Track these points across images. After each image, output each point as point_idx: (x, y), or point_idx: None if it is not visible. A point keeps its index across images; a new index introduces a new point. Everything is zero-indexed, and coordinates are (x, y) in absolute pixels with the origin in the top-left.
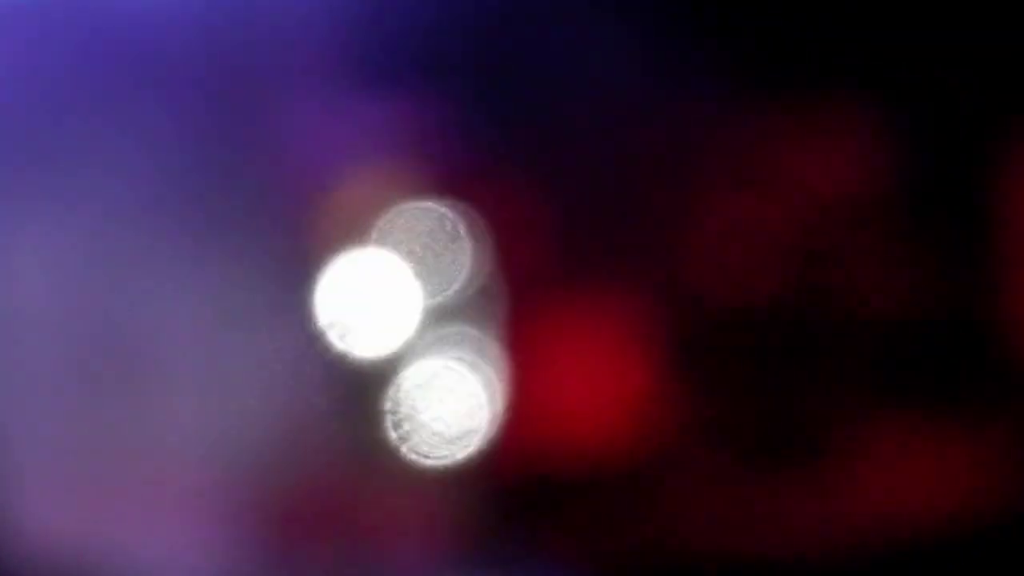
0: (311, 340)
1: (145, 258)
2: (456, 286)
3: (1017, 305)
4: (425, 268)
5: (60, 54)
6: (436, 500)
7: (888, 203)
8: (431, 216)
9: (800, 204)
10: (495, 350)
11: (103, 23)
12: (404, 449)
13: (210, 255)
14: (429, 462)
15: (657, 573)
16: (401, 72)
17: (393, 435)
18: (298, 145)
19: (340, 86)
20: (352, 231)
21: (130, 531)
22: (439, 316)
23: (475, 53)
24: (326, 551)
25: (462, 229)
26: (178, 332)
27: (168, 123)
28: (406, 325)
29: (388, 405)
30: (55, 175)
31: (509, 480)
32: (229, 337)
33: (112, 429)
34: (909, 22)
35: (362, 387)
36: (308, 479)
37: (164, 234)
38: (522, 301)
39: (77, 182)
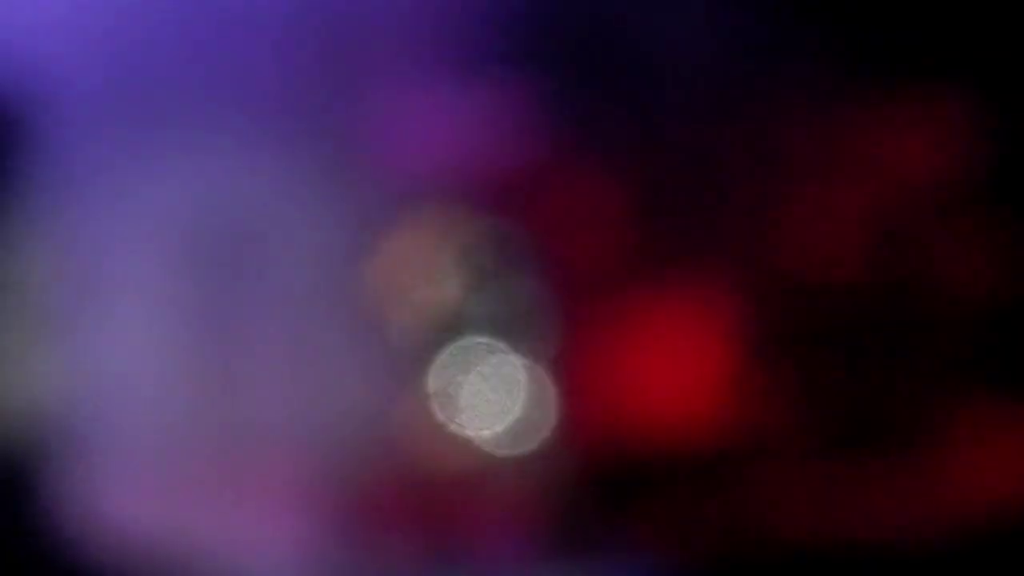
0: (397, 330)
1: (244, 239)
2: (531, 278)
3: None
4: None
5: (167, 27)
6: (521, 487)
7: (974, 190)
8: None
9: (888, 191)
10: (582, 338)
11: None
12: (486, 435)
13: (299, 238)
14: (513, 450)
15: (743, 562)
16: (489, 61)
17: (474, 422)
18: (387, 127)
19: (430, 73)
20: (435, 214)
21: (221, 519)
22: (524, 306)
23: (562, 43)
24: (412, 538)
25: (543, 220)
26: (267, 317)
27: (268, 92)
28: (492, 315)
29: (469, 393)
30: (163, 146)
31: (595, 468)
32: (320, 322)
33: (206, 415)
34: (993, 14)
35: (446, 376)
36: (394, 466)
37: (260, 208)
38: (609, 290)
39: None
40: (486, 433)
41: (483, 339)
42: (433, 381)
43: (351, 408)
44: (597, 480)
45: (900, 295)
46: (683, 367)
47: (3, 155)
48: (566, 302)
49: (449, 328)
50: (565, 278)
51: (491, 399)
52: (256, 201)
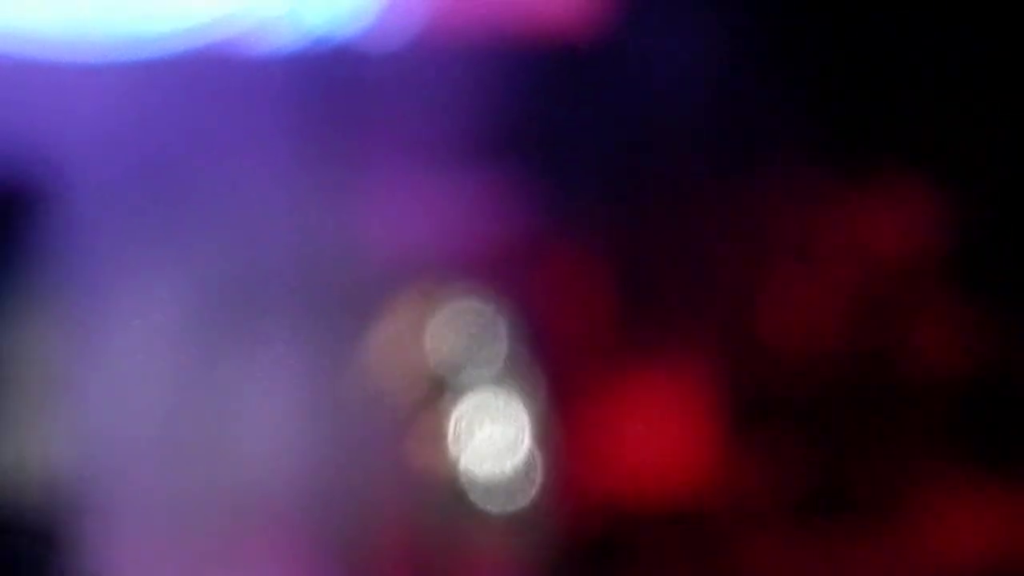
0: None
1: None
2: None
3: None
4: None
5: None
6: (509, 545)
7: (943, 269)
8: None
9: (862, 270)
10: (568, 406)
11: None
12: (478, 492)
13: (298, 312)
14: (501, 509)
15: None
16: (479, 149)
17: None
18: (384, 210)
19: (423, 161)
20: (432, 282)
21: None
22: (507, 374)
23: (547, 131)
24: None
25: (528, 292)
26: (257, 382)
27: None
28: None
29: (462, 452)
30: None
31: (577, 530)
32: (316, 389)
33: (206, 477)
34: (962, 102)
35: (438, 440)
36: (389, 523)
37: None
38: (594, 360)
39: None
40: (478, 490)
41: (475, 403)
42: (427, 440)
43: (347, 470)
44: (579, 541)
45: (873, 368)
46: (664, 435)
47: (20, 235)
48: (554, 372)
49: (442, 392)
50: (552, 349)
51: (482, 459)
52: (254, 278)
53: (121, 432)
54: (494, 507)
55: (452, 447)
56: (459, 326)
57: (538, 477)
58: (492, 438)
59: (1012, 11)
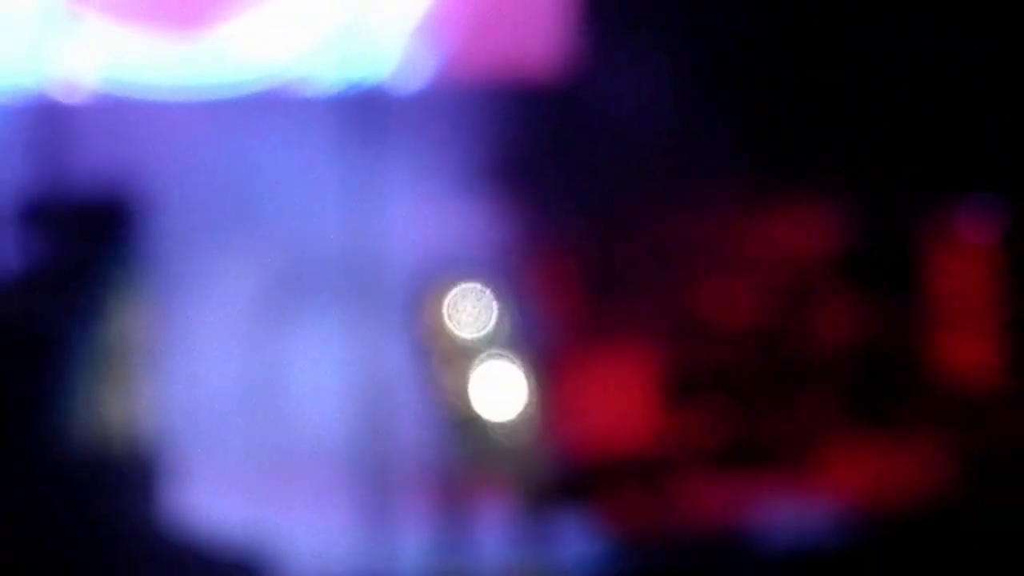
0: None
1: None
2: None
3: (941, 344)
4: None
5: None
6: (511, 477)
7: (842, 271)
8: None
9: (778, 273)
10: (549, 372)
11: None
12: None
13: (331, 304)
14: (506, 447)
15: (666, 542)
16: (479, 175)
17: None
18: (412, 223)
19: (440, 183)
20: (451, 278)
21: (281, 512)
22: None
23: (534, 160)
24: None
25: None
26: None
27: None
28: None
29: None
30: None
31: (559, 469)
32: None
33: (265, 434)
34: (859, 129)
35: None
36: (416, 456)
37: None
38: (569, 339)
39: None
40: (489, 432)
41: (487, 368)
42: (452, 395)
43: (386, 420)
44: (561, 473)
45: (782, 346)
46: (621, 397)
47: (124, 240)
48: (543, 347)
49: (464, 359)
50: (542, 329)
51: (492, 410)
52: (306, 274)
53: (201, 395)
54: (501, 445)
55: (471, 400)
56: (475, 310)
57: (531, 424)
58: (499, 394)
59: (904, 53)
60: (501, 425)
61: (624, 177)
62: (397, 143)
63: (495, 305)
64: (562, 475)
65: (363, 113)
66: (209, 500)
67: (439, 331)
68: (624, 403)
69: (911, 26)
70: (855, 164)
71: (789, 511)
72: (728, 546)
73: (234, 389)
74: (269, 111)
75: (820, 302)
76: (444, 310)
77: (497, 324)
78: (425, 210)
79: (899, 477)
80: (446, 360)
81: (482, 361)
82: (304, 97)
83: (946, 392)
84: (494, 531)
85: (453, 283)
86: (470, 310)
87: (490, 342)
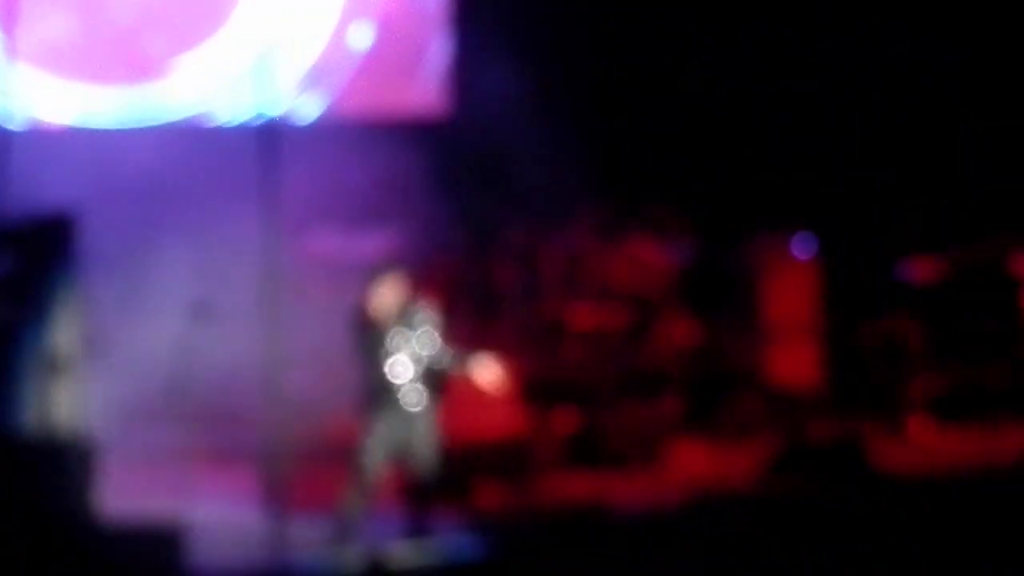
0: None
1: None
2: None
3: (768, 359)
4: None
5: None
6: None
7: (682, 295)
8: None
9: (627, 288)
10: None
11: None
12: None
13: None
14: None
15: (531, 522)
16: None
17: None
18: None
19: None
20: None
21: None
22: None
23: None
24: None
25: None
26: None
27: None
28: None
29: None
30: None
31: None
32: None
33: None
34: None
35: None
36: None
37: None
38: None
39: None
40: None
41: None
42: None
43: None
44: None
45: (630, 358)
46: (494, 401)
47: (60, 257)
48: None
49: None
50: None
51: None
52: (227, 271)
53: (111, 400)
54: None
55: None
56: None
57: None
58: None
59: (740, 107)
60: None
61: (495, 203)
62: (295, 168)
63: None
64: (442, 464)
65: (265, 143)
66: (116, 487)
67: (364, 315)
68: (495, 403)
69: (748, 79)
70: (695, 197)
71: (638, 496)
72: (586, 520)
73: (160, 386)
74: (187, 140)
75: (662, 319)
76: (360, 304)
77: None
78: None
79: (729, 467)
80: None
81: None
82: (216, 128)
83: (770, 396)
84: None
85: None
86: (380, 303)
87: (404, 322)
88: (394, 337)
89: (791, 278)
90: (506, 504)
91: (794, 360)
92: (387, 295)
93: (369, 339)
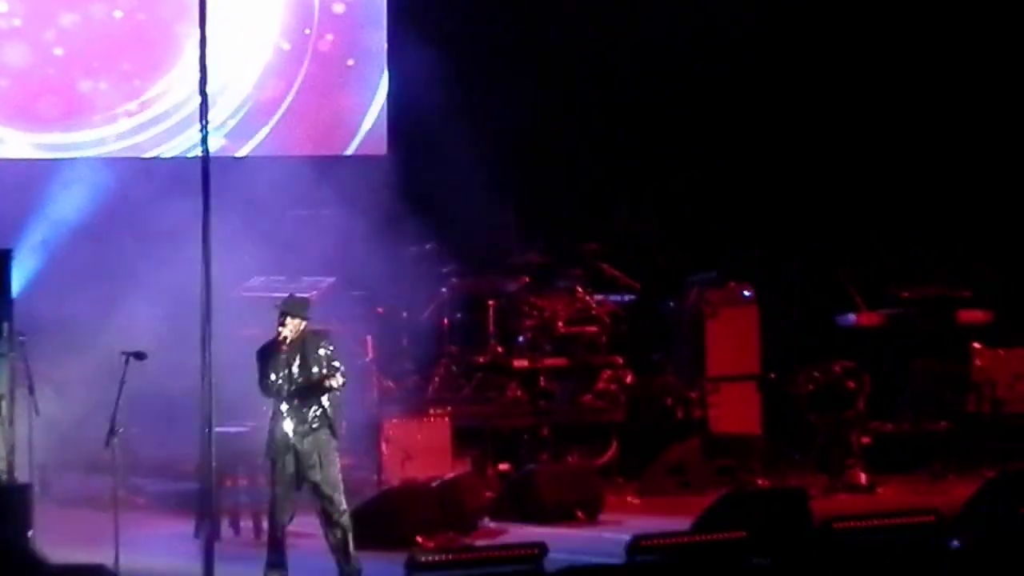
0: None
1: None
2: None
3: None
4: None
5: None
6: None
7: (613, 335)
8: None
9: (562, 338)
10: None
11: None
12: None
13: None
14: None
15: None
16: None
17: None
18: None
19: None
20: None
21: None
22: None
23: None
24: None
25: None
26: None
27: None
28: None
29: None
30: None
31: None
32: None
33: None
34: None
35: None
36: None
37: None
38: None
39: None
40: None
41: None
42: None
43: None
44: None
45: (572, 407)
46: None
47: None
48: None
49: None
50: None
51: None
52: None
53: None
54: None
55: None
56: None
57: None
58: None
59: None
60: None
61: (434, 244)
62: (231, 199)
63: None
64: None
65: (203, 174)
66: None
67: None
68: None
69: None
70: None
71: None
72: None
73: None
74: (132, 173)
75: (603, 362)
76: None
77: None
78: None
79: (667, 515)
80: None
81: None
82: (158, 161)
83: (710, 441)
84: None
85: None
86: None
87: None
88: (287, 364)
89: (731, 324)
90: (441, 551)
91: (734, 406)
92: (289, 327)
93: (266, 366)
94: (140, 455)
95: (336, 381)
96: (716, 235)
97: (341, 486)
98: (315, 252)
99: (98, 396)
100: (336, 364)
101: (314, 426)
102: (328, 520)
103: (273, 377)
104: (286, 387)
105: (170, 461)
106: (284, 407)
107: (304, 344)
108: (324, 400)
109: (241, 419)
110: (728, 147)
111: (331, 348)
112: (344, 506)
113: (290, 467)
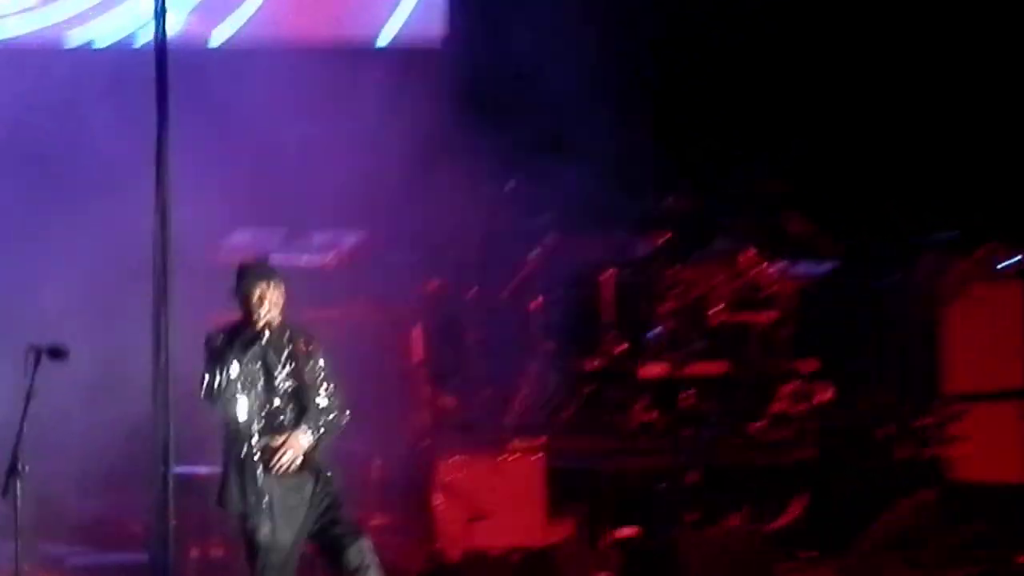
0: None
1: None
2: None
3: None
4: None
5: None
6: None
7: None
8: None
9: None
10: None
11: None
12: None
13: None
14: None
15: None
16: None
17: None
18: None
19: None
20: None
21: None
22: None
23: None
24: None
25: None
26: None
27: None
28: None
29: None
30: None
31: None
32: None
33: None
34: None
35: None
36: None
37: None
38: None
39: None
40: None
41: None
42: None
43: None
44: None
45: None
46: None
47: None
48: None
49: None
50: None
51: None
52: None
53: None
54: None
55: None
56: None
57: None
58: None
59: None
60: None
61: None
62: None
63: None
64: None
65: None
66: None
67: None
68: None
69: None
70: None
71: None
72: None
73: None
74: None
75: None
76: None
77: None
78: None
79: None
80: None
81: None
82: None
83: (952, 493)
84: None
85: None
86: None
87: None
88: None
89: (983, 311)
90: None
91: (990, 438)
92: (269, 304)
93: (222, 365)
94: (59, 508)
95: (304, 438)
96: (963, 178)
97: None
98: (330, 194)
99: None
100: (329, 393)
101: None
102: None
103: (238, 385)
104: (258, 403)
105: (106, 519)
106: (254, 438)
107: (290, 339)
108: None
109: (214, 454)
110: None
111: (324, 359)
112: None
113: (285, 531)
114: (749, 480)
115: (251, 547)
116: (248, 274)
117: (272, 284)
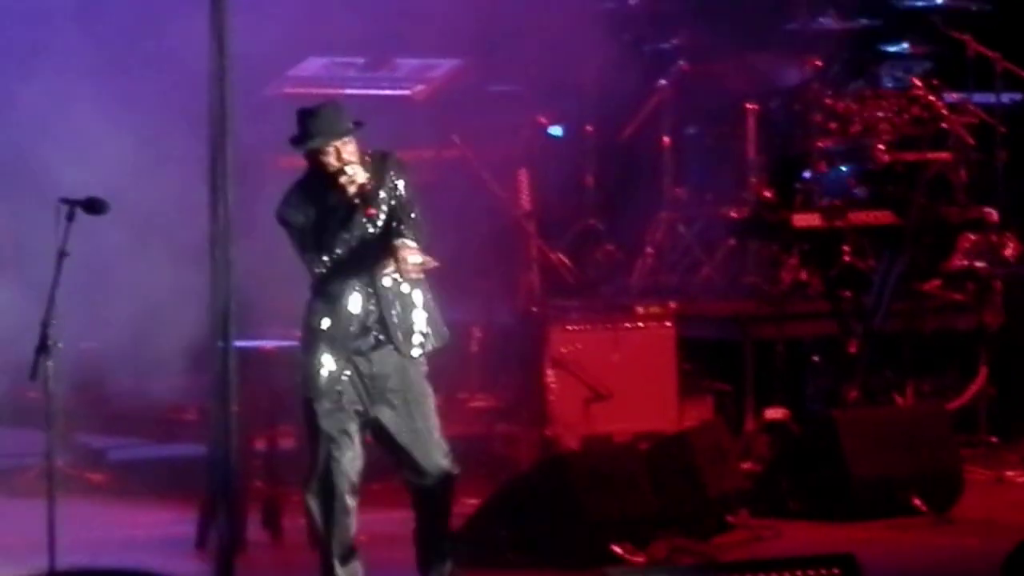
0: None
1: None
2: None
3: None
4: None
5: None
6: None
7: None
8: None
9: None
10: None
11: None
12: None
13: None
14: None
15: None
16: None
17: None
18: None
19: None
20: None
21: None
22: None
23: None
24: None
25: None
26: None
27: None
28: None
29: None
30: None
31: None
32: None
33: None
34: None
35: None
36: None
37: None
38: None
39: None
40: None
41: None
42: None
43: None
44: None
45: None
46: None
47: None
48: None
49: None
50: None
51: None
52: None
53: None
54: None
55: None
56: None
57: None
58: None
59: None
60: None
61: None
62: None
63: None
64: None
65: None
66: None
67: None
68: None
69: None
70: None
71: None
72: None
73: None
74: None
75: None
76: None
77: None
78: None
79: None
80: None
81: None
82: None
83: None
84: None
85: None
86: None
87: None
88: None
89: None
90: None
91: None
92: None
93: (317, 226)
94: (98, 393)
95: (408, 243)
96: None
97: (442, 442)
98: (419, 15)
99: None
100: (412, 212)
101: (380, 338)
102: (421, 507)
103: (338, 248)
104: (354, 261)
105: (152, 405)
106: (352, 291)
107: (378, 178)
108: (400, 284)
109: (283, 326)
110: None
111: (407, 180)
112: (446, 470)
113: (345, 406)
114: (920, 350)
115: (312, 431)
116: (314, 129)
117: (345, 140)
